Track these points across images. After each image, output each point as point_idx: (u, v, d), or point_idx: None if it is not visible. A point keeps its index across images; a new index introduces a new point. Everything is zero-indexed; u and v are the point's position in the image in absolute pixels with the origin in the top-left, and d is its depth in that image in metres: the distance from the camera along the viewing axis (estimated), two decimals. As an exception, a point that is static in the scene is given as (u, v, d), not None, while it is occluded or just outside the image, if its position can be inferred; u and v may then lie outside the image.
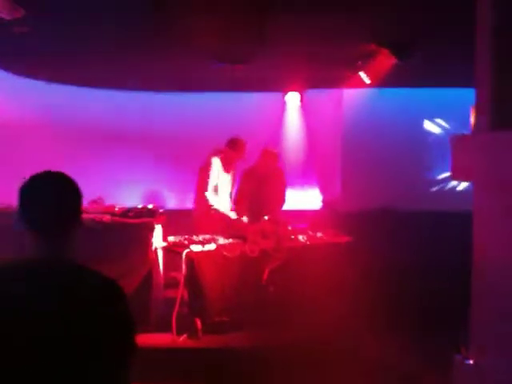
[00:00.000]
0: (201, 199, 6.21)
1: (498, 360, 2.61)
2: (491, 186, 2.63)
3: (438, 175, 8.62)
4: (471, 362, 2.77)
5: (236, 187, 6.52)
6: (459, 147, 2.77)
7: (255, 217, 6.16)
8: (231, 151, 6.19)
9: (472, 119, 2.73)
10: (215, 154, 6.19)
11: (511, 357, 2.50)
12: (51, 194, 1.69)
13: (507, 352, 2.55)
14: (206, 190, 6.10)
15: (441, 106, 8.25)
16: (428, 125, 8.60)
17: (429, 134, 8.62)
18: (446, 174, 8.48)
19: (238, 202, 6.49)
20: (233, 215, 6.15)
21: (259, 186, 6.44)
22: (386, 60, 5.09)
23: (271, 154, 6.38)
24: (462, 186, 8.53)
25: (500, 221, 2.63)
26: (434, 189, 8.68)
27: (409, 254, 7.09)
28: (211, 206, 6.10)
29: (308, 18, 4.45)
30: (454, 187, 8.59)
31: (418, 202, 8.04)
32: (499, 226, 2.64)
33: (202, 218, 6.22)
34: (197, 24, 4.71)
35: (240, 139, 6.24)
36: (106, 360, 1.60)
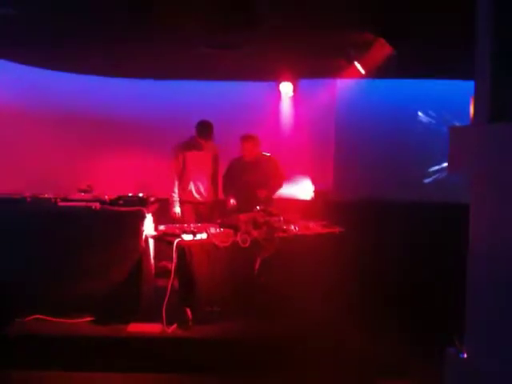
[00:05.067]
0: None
1: (493, 356, 2.59)
2: (488, 180, 2.59)
3: (431, 167, 8.60)
4: (465, 356, 2.74)
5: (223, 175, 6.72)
6: (457, 139, 2.73)
7: (246, 206, 6.14)
8: (196, 134, 6.35)
9: (471, 110, 2.69)
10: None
11: (508, 354, 2.47)
12: None
13: (504, 349, 2.52)
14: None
15: (436, 97, 8.22)
16: (422, 116, 8.56)
17: (423, 125, 8.58)
18: (439, 167, 8.48)
19: (223, 189, 6.70)
20: None
21: (245, 174, 6.47)
22: (382, 50, 5.03)
23: (248, 138, 6.40)
24: (454, 178, 8.52)
25: (497, 215, 2.60)
26: (427, 180, 8.67)
27: (401, 246, 7.08)
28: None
29: (302, 7, 4.37)
30: (446, 179, 8.57)
31: (410, 194, 8.03)
32: (496, 220, 2.61)
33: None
34: (184, 9, 4.61)
35: (202, 121, 6.33)
36: None
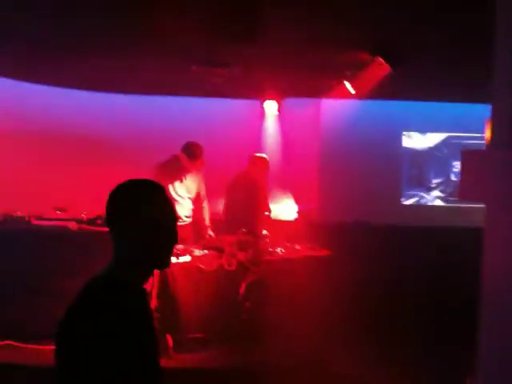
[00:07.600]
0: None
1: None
2: (507, 208, 2.43)
3: (415, 190, 8.54)
4: (479, 396, 2.55)
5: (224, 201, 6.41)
6: (471, 164, 2.57)
7: (234, 226, 5.92)
8: (184, 157, 5.78)
9: (487, 134, 2.53)
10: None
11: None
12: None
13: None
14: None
15: (421, 119, 8.17)
16: (406, 138, 8.50)
17: (407, 147, 8.52)
18: (420, 189, 8.43)
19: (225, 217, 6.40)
20: None
21: (245, 195, 6.26)
22: (378, 70, 4.88)
23: (262, 160, 6.29)
24: (438, 202, 8.48)
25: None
26: (410, 203, 8.58)
27: (385, 269, 6.95)
28: None
29: (302, 22, 4.19)
30: (429, 203, 8.53)
31: (394, 216, 7.93)
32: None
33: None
34: (175, 23, 4.38)
35: (193, 144, 5.80)
36: None
